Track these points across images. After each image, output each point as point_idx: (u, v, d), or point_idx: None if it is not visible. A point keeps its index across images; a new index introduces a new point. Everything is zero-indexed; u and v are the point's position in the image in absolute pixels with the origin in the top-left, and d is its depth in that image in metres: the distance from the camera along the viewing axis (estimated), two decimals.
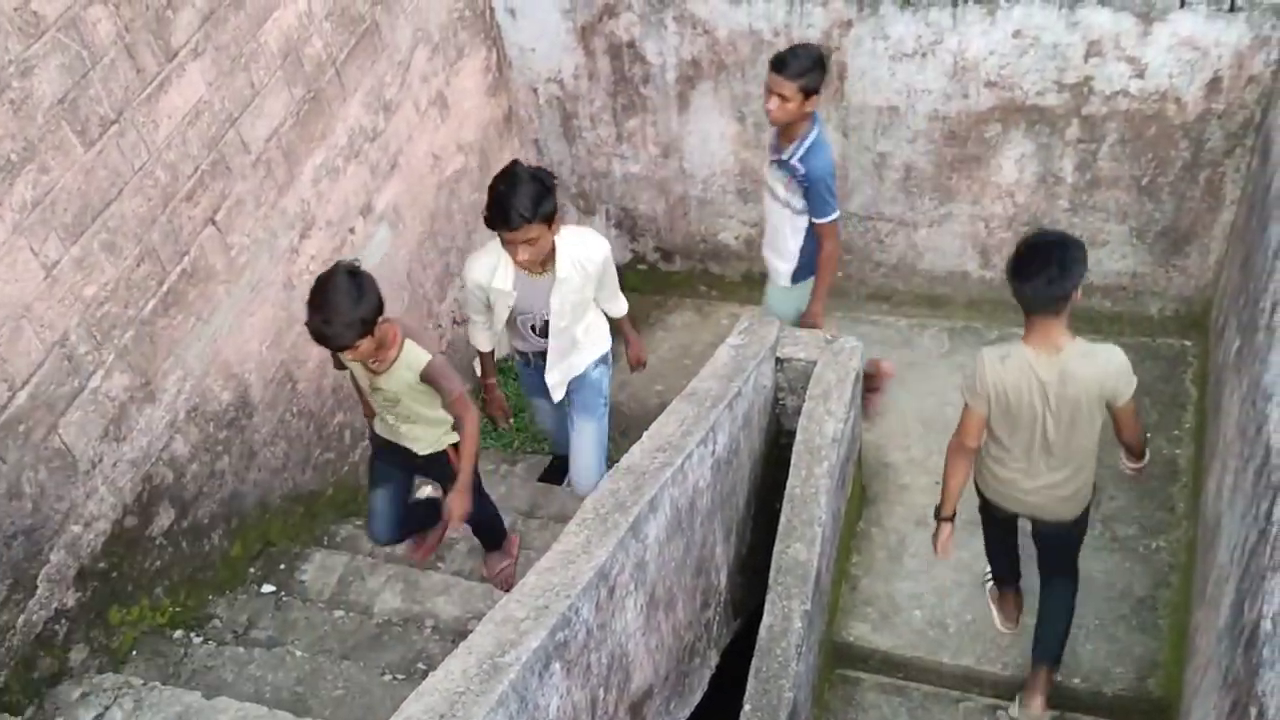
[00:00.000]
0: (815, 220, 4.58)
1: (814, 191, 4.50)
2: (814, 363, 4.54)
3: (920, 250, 5.83)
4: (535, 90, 5.90)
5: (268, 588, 4.49)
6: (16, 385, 3.40)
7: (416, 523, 4.64)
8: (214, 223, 4.08)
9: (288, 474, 4.76)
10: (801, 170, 4.47)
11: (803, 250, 4.72)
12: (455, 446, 4.11)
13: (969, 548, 4.93)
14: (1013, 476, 3.92)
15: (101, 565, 3.81)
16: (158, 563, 4.07)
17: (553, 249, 4.17)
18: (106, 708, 3.60)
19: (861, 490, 5.18)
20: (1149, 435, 5.19)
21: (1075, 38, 4.84)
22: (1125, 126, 5.07)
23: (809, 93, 4.35)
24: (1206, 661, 3.67)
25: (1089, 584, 4.73)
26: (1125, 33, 4.78)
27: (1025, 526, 4.22)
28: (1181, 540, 4.81)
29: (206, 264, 4.07)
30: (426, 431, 4.13)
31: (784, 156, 4.51)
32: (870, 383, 5.38)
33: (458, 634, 4.16)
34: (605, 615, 3.38)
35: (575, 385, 4.65)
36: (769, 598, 3.98)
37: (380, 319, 3.65)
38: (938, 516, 4.10)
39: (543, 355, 4.51)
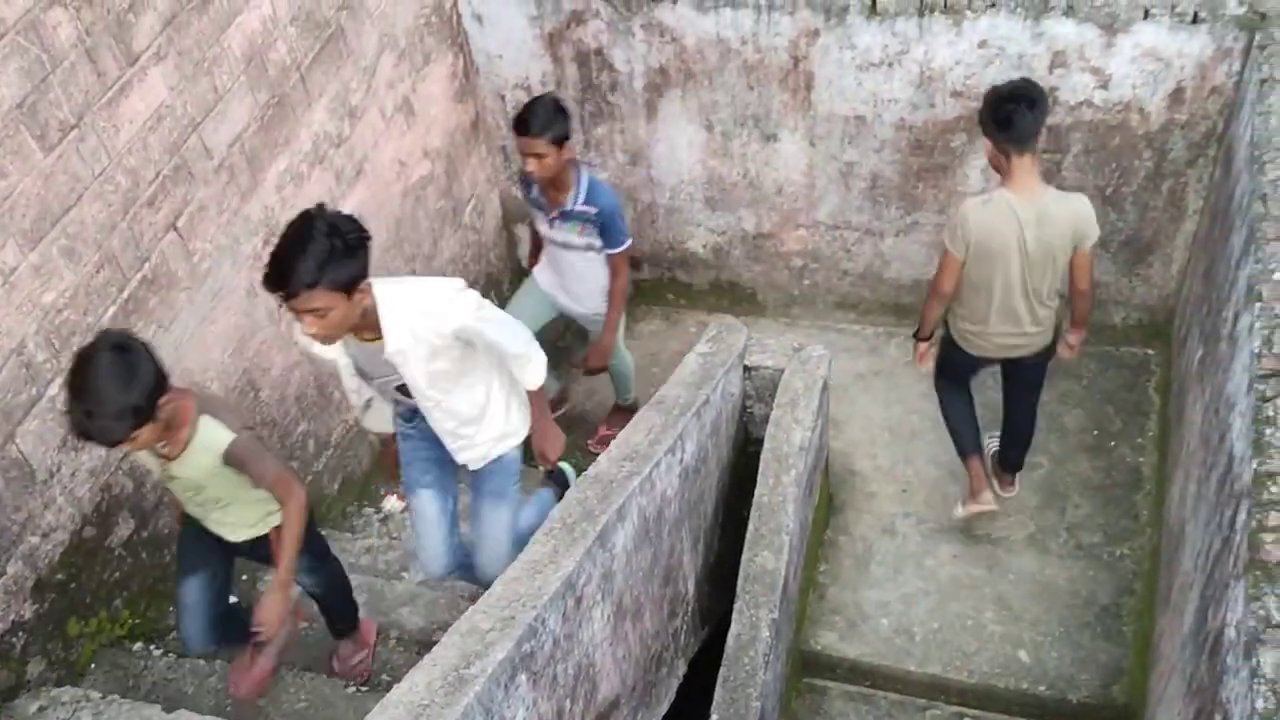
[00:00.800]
0: (610, 252, 4.76)
1: (610, 224, 4.69)
2: (781, 371, 4.56)
3: (887, 259, 5.85)
4: (502, 97, 5.88)
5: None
6: None
7: (241, 628, 3.66)
8: (176, 229, 4.03)
9: None
10: (594, 210, 4.66)
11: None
12: (280, 529, 3.35)
13: (935, 556, 4.96)
14: (984, 327, 4.31)
15: (59, 577, 3.75)
16: (117, 574, 4.01)
17: (371, 315, 3.25)
18: None
19: (829, 498, 5.19)
20: (1113, 444, 5.26)
21: (1040, 49, 4.88)
22: (1089, 137, 5.11)
23: (560, 141, 4.49)
24: (1171, 668, 3.69)
25: (1053, 592, 4.77)
26: (1089, 44, 4.82)
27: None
28: (1145, 548, 4.85)
29: (168, 270, 4.02)
30: (243, 514, 3.46)
31: (569, 207, 4.69)
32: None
33: (423, 645, 4.13)
34: (572, 625, 3.36)
35: (479, 471, 3.84)
36: (737, 606, 3.97)
37: (162, 398, 2.99)
38: (916, 337, 4.57)
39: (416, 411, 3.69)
